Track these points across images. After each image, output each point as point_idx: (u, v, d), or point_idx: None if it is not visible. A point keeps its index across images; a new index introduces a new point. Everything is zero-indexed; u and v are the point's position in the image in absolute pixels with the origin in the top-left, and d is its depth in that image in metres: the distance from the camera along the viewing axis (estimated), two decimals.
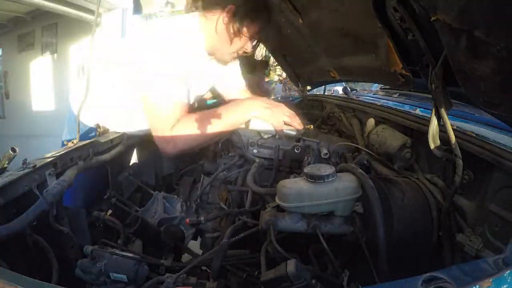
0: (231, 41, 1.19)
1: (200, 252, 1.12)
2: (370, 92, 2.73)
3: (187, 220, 1.11)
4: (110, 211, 1.16)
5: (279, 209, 0.86)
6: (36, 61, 4.51)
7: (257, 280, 0.88)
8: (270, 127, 1.25)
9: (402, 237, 0.79)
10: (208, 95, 2.05)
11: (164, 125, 1.14)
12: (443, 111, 0.76)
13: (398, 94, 2.18)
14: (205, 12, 1.20)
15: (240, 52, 1.27)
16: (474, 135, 0.81)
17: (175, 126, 1.13)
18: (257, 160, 1.19)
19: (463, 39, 0.61)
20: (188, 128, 1.14)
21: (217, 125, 1.16)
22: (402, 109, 1.27)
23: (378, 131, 1.13)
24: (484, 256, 0.67)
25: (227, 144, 1.33)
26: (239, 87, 1.57)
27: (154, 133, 1.18)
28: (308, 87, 2.05)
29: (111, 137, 1.25)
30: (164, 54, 1.11)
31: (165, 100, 1.13)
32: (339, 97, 1.96)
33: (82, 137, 1.16)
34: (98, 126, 1.29)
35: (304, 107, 2.04)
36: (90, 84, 1.08)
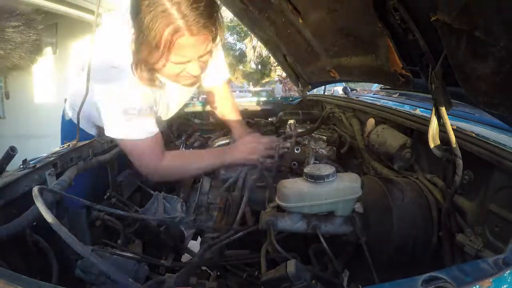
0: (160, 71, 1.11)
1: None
2: (370, 92, 2.72)
3: None
4: None
5: (279, 209, 0.86)
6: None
7: (257, 280, 0.88)
8: None
9: (402, 237, 0.79)
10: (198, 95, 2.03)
11: (149, 161, 1.16)
12: (443, 111, 0.75)
13: (398, 94, 2.18)
14: None
15: (182, 77, 1.13)
16: (474, 135, 0.81)
17: (163, 162, 1.17)
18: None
19: (463, 39, 0.61)
20: (175, 165, 1.22)
21: (198, 167, 1.24)
22: (402, 109, 1.27)
23: (378, 131, 1.13)
24: (484, 256, 0.67)
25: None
26: (223, 78, 1.56)
27: (140, 169, 1.18)
28: (308, 87, 2.05)
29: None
30: (123, 97, 1.08)
31: (140, 140, 1.12)
32: (339, 97, 1.96)
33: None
34: (98, 127, 1.29)
35: (304, 107, 2.05)
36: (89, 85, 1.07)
